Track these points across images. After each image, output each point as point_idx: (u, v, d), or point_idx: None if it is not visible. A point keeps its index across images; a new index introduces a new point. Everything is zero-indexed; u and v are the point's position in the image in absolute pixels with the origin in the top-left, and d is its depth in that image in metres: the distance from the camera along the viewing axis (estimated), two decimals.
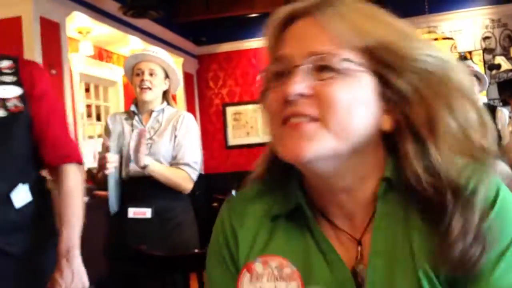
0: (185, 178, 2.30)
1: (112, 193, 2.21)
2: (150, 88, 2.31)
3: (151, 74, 2.32)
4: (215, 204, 4.49)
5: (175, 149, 2.30)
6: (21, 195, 1.38)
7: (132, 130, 2.34)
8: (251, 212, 0.80)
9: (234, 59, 7.26)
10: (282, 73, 0.71)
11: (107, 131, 2.41)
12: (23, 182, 1.39)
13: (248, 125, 7.15)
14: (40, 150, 1.42)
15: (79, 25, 4.89)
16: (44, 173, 1.56)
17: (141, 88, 2.31)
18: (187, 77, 6.97)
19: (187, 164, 2.30)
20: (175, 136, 2.31)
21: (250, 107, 7.16)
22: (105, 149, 2.23)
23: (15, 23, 3.93)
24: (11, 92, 1.36)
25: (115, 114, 2.50)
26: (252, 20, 6.76)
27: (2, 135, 1.34)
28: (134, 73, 2.35)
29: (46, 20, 4.13)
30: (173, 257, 2.01)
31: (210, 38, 7.17)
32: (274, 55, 0.74)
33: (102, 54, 5.76)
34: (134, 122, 2.37)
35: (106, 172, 2.14)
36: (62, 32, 4.35)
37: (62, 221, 1.42)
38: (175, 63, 6.96)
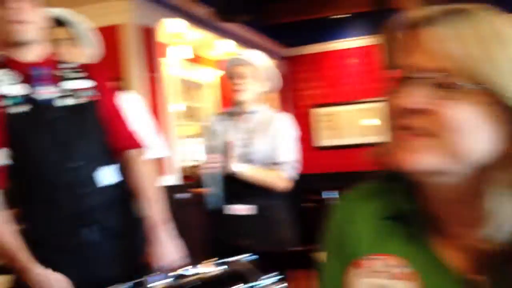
0: (278, 178, 2.33)
1: (214, 190, 2.28)
2: (243, 90, 2.38)
3: (244, 77, 2.38)
4: (308, 204, 4.46)
5: (272, 149, 2.33)
6: (106, 176, 1.51)
7: (231, 131, 2.41)
8: (360, 211, 0.81)
9: (323, 60, 7.20)
10: (404, 80, 0.69)
11: (207, 132, 2.49)
12: (107, 164, 1.53)
13: (339, 127, 7.09)
14: (110, 138, 1.56)
15: (173, 30, 5.07)
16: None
17: (235, 90, 2.39)
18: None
19: (283, 164, 2.33)
20: (272, 136, 2.35)
21: (341, 108, 7.08)
22: (209, 149, 2.32)
23: (114, 30, 4.16)
24: (84, 84, 1.53)
25: (214, 115, 2.60)
26: (338, 21, 6.68)
27: (81, 121, 1.49)
28: (231, 76, 2.43)
29: (142, 27, 4.32)
30: (275, 253, 2.01)
31: (298, 40, 7.17)
32: (397, 61, 0.72)
33: (195, 58, 5.94)
34: (233, 123, 2.44)
35: (211, 172, 2.24)
36: (157, 38, 4.54)
37: (143, 200, 1.52)
38: None
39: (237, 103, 2.43)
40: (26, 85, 1.44)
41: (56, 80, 1.49)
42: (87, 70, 1.57)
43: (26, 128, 1.41)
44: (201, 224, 2.47)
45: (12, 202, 1.41)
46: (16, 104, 1.41)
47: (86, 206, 1.45)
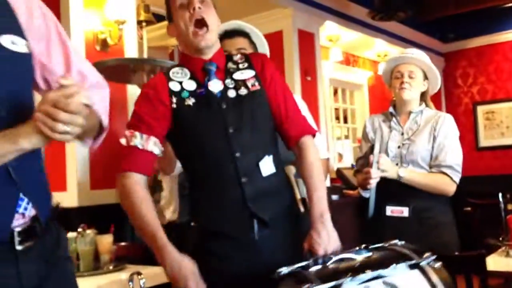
0: (445, 182, 2.25)
1: (372, 199, 2.29)
2: (409, 89, 2.35)
3: (410, 77, 2.35)
4: (468, 208, 4.27)
5: (436, 151, 2.27)
6: (267, 166, 1.55)
7: (390, 131, 2.40)
8: None
9: (486, 54, 6.74)
10: None
11: (365, 134, 2.51)
12: (268, 155, 1.56)
13: (503, 125, 6.58)
14: (283, 125, 1.59)
15: (329, 33, 5.21)
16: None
17: (400, 89, 2.35)
18: None
19: (450, 167, 2.25)
20: (434, 137, 2.29)
21: (505, 105, 6.56)
22: (367, 158, 2.35)
23: (278, 36, 4.46)
24: (247, 74, 1.58)
25: (373, 117, 2.58)
26: (509, 11, 6.19)
27: (247, 111, 1.54)
28: (393, 76, 2.41)
29: (303, 32, 4.55)
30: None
31: (458, 34, 6.81)
32: None
33: (349, 59, 6.01)
34: (392, 123, 2.42)
35: (369, 187, 2.24)
36: (316, 42, 4.73)
37: (311, 188, 1.54)
38: None
39: (401, 102, 2.40)
40: (197, 80, 1.57)
41: (223, 74, 1.58)
42: (250, 60, 1.63)
43: (196, 120, 1.52)
44: (354, 226, 2.49)
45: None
46: (185, 98, 1.53)
47: (251, 195, 1.50)
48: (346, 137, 6.18)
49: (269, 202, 1.53)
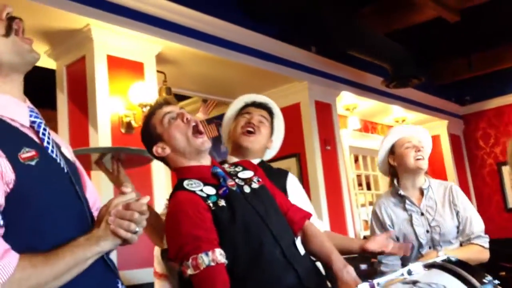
0: (480, 251, 2.27)
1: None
2: (426, 160, 2.39)
3: (422, 146, 2.40)
4: (502, 273, 4.12)
5: (462, 225, 2.30)
6: (300, 245, 1.67)
7: (409, 215, 2.36)
8: None
9: (505, 114, 6.75)
10: None
11: (379, 222, 2.45)
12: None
13: None
14: (286, 214, 1.72)
15: (346, 103, 5.33)
16: None
17: (417, 159, 2.35)
18: (453, 139, 6.74)
19: (478, 237, 2.28)
20: (458, 212, 2.32)
21: None
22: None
23: (296, 108, 4.59)
24: (248, 174, 1.74)
25: (380, 203, 2.50)
26: None
27: (263, 202, 1.66)
28: (403, 146, 2.39)
29: (319, 103, 4.68)
30: None
31: (474, 96, 6.87)
32: None
33: (367, 126, 6.08)
34: (407, 206, 2.38)
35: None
36: (333, 111, 4.84)
37: (328, 251, 1.68)
38: (439, 125, 6.77)
39: (413, 177, 2.38)
40: (212, 185, 1.62)
41: (228, 176, 1.68)
42: (242, 165, 1.78)
43: (235, 217, 1.56)
44: None
45: None
46: (216, 201, 1.58)
47: (304, 276, 1.56)
48: (371, 203, 6.12)
49: (314, 277, 1.63)
